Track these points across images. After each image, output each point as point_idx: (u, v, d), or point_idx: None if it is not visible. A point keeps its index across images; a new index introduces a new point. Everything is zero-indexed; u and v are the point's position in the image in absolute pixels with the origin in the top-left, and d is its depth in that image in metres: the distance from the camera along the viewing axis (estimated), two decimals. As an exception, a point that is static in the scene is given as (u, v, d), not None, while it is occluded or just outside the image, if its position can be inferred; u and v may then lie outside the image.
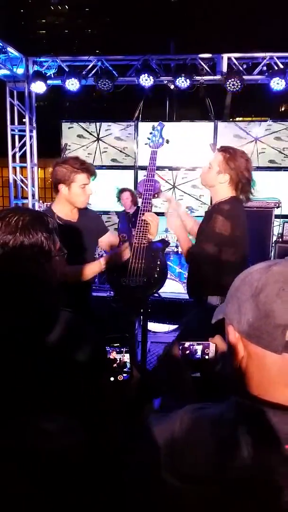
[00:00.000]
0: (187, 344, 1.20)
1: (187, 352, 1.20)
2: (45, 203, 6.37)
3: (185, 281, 4.76)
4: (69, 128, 6.48)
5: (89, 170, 2.43)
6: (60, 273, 1.03)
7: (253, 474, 0.65)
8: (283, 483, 0.64)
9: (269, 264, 0.76)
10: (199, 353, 1.19)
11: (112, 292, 2.94)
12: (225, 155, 2.28)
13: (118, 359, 1.10)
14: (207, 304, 2.32)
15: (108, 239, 2.74)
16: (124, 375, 1.10)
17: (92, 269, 2.42)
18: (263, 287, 0.73)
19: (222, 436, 0.72)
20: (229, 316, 0.80)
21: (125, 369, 1.11)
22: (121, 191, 5.58)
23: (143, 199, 2.60)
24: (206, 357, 1.19)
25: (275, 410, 0.70)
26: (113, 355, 1.10)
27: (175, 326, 4.56)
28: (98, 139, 6.47)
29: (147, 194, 2.60)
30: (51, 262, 0.99)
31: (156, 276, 2.63)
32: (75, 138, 6.49)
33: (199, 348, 1.19)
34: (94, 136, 6.47)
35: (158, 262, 2.63)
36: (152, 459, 0.78)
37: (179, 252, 4.96)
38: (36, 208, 6.14)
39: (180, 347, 1.20)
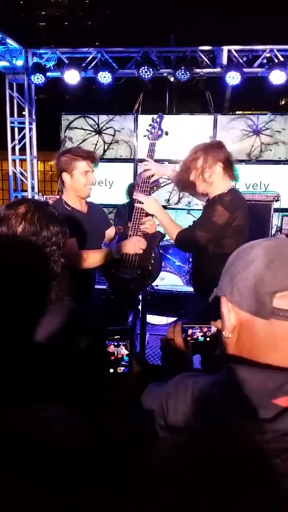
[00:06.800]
0: (189, 326, 1.23)
1: (189, 334, 1.22)
2: (44, 196, 6.35)
3: (184, 274, 4.79)
4: (68, 120, 6.46)
5: (90, 157, 2.44)
6: (72, 255, 1.10)
7: (231, 436, 0.68)
8: (256, 445, 0.66)
9: (260, 241, 0.84)
10: (200, 335, 1.22)
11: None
12: (202, 150, 2.30)
13: (117, 352, 1.12)
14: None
15: (111, 232, 2.77)
16: (123, 368, 1.12)
17: (107, 256, 2.41)
18: (254, 259, 0.79)
19: (208, 395, 0.80)
20: (222, 289, 0.87)
21: (123, 362, 1.12)
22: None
23: (140, 191, 2.59)
24: (208, 339, 1.21)
25: (262, 370, 0.76)
26: (112, 348, 1.11)
27: (174, 319, 4.59)
28: (97, 131, 6.45)
29: (144, 186, 2.59)
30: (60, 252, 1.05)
31: (150, 268, 2.62)
32: (74, 130, 6.47)
33: (200, 331, 1.22)
34: (93, 128, 6.45)
35: (153, 254, 2.61)
36: (149, 416, 0.87)
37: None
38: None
39: (182, 329, 1.23)
